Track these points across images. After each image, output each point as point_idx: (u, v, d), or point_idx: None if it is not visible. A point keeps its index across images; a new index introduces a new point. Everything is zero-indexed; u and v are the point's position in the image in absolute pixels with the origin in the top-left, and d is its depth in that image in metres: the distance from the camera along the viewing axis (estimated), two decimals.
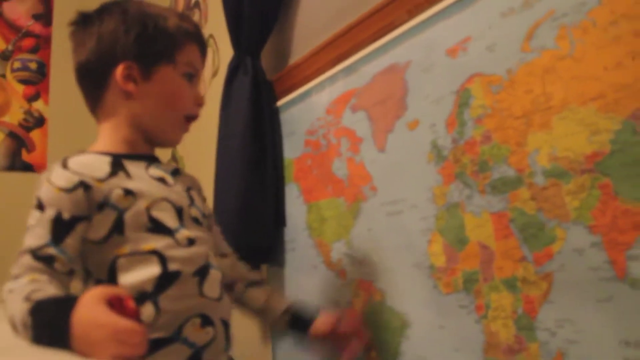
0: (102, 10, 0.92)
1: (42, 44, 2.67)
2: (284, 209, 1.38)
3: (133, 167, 0.88)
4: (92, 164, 0.85)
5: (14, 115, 2.56)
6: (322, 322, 1.00)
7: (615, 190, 0.68)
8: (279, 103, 1.42)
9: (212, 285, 0.87)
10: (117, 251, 0.81)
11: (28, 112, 2.60)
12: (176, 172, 0.96)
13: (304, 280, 1.31)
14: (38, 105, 2.63)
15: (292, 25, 1.42)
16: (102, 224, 0.81)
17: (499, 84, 0.83)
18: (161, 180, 0.90)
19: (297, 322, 1.02)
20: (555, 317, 0.74)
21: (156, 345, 0.78)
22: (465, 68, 0.89)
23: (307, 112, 1.31)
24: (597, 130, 0.69)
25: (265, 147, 1.37)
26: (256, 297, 1.04)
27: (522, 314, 0.78)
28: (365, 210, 1.10)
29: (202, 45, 0.97)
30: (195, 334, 0.82)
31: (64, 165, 0.83)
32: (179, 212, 0.88)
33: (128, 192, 0.83)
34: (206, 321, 0.84)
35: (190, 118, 0.96)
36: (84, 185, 0.81)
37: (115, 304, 0.65)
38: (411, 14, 1.00)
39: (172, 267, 0.82)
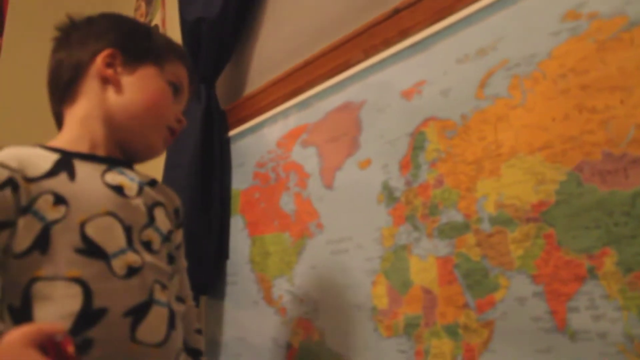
0: (91, 18, 0.85)
1: None
2: (228, 241, 1.34)
3: (85, 168, 0.73)
4: (31, 159, 0.69)
5: None
6: None
7: (558, 240, 0.68)
8: (231, 133, 1.40)
9: (152, 327, 0.69)
10: (34, 272, 0.64)
11: None
12: (151, 184, 0.82)
13: (243, 316, 1.26)
14: None
15: (250, 56, 1.41)
16: (24, 234, 0.65)
17: (454, 129, 0.83)
18: (118, 189, 0.74)
19: None
20: None
21: None
22: (420, 111, 0.89)
23: (258, 144, 1.29)
24: (543, 179, 0.70)
25: (213, 178, 1.34)
26: None
27: None
28: (310, 247, 1.08)
29: (190, 70, 0.89)
30: None
31: None
32: (127, 232, 0.72)
33: (59, 200, 0.67)
34: None
35: (172, 131, 0.85)
36: (12, 184, 0.65)
37: (50, 350, 0.52)
38: (367, 54, 1.00)
39: (98, 303, 0.65)
